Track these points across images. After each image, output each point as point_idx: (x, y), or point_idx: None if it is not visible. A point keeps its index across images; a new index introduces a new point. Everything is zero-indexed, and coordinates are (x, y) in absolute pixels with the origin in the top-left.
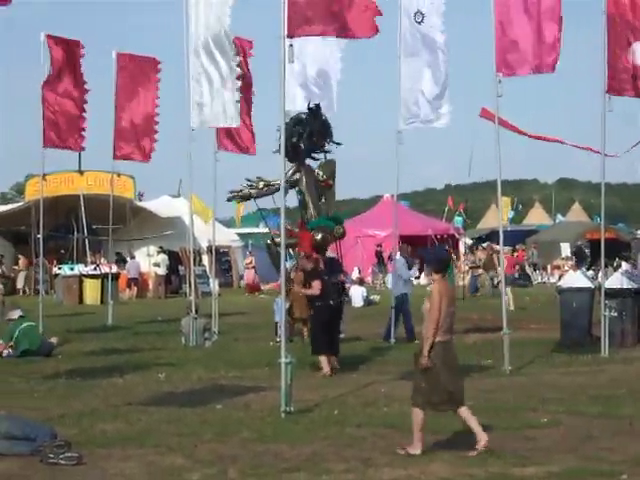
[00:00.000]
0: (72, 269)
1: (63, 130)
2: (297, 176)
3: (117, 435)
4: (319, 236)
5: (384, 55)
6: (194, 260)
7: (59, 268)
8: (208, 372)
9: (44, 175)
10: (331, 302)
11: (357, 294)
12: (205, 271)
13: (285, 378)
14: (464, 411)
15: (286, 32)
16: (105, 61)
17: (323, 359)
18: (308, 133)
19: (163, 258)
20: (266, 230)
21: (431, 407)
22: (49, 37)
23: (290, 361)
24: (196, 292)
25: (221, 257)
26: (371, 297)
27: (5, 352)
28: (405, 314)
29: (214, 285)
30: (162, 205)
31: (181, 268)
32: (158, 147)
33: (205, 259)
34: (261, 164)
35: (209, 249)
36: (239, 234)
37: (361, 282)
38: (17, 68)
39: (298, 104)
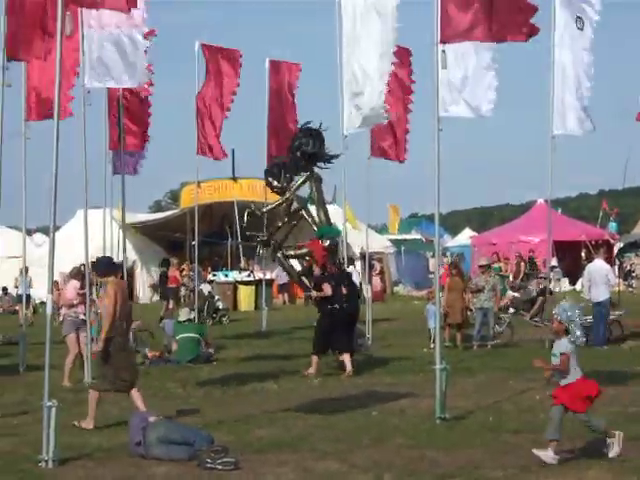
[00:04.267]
0: (226, 275)
1: (212, 138)
2: (307, 185)
3: (273, 441)
4: (327, 242)
5: (536, 58)
6: (347, 266)
7: (213, 274)
8: (362, 378)
9: (199, 182)
10: (337, 306)
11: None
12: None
13: (440, 384)
14: (134, 392)
15: (439, 38)
16: (256, 67)
17: (314, 359)
18: (318, 144)
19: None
20: (418, 236)
21: (111, 389)
22: (204, 46)
23: (444, 367)
24: None
25: (374, 263)
26: None
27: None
28: (605, 319)
29: (367, 291)
30: (315, 211)
31: None
32: None
33: (358, 265)
34: (411, 171)
35: (362, 255)
36: (392, 240)
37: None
38: (174, 76)
39: (451, 109)
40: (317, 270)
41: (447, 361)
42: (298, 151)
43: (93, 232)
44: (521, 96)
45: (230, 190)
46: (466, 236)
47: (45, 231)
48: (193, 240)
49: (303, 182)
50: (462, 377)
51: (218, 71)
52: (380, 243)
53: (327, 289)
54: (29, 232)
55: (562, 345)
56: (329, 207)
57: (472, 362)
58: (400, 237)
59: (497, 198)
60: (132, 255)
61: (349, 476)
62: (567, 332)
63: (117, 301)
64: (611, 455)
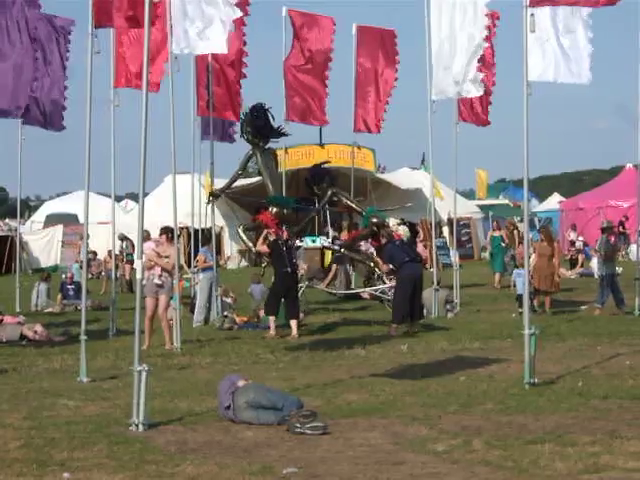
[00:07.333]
0: (314, 241)
1: (305, 105)
2: (253, 159)
3: (361, 405)
4: (273, 210)
5: (623, 24)
6: (434, 232)
7: (301, 240)
8: (450, 343)
9: (286, 148)
10: (288, 269)
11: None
12: (445, 243)
13: (529, 349)
14: None
15: (528, 1)
16: (346, 34)
17: (272, 320)
18: (263, 119)
19: (404, 230)
20: (506, 201)
21: None
22: (291, 12)
23: (533, 332)
24: (437, 264)
25: (461, 229)
26: None
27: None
28: None
29: (455, 257)
30: (402, 177)
31: None
32: (398, 119)
33: (445, 231)
34: (499, 135)
35: (449, 221)
36: (479, 206)
37: None
38: (262, 42)
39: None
40: (271, 236)
41: (536, 326)
42: (249, 126)
43: (181, 198)
44: (610, 60)
45: (317, 156)
46: (555, 201)
47: (134, 197)
48: None
49: (250, 157)
50: (551, 342)
51: (305, 38)
52: (468, 208)
53: (263, 248)
54: (118, 198)
55: None
56: (417, 172)
57: (561, 327)
58: (488, 202)
59: (586, 163)
60: (220, 221)
61: (438, 441)
62: None
63: None
64: None
